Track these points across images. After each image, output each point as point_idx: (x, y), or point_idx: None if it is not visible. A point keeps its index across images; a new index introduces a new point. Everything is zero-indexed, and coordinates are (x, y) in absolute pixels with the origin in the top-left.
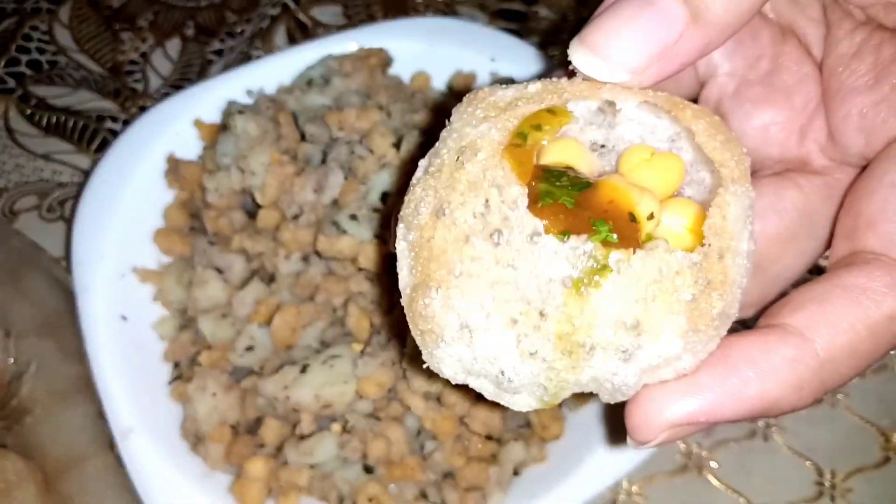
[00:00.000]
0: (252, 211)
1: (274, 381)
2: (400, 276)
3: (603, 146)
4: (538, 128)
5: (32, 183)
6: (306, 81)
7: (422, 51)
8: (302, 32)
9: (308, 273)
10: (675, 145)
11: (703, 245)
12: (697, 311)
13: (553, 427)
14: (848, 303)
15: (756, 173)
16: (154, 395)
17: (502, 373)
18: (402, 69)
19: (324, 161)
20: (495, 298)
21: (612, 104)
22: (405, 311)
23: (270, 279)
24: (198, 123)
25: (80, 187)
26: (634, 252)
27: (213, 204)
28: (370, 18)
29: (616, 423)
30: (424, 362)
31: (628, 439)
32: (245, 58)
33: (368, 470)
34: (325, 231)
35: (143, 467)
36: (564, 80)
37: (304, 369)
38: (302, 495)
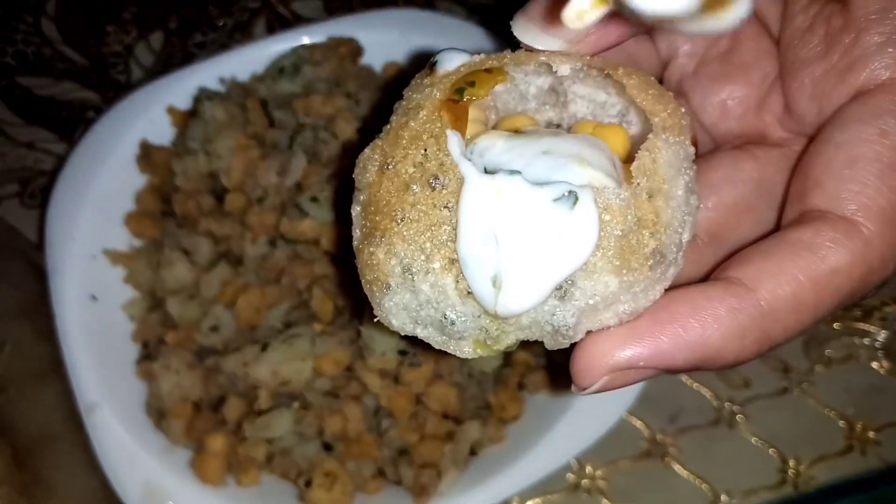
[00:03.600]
0: (220, 194)
1: (235, 358)
2: (354, 238)
3: (558, 125)
4: (472, 84)
5: (15, 170)
6: (277, 70)
7: (393, 42)
8: (281, 26)
9: (274, 256)
10: (623, 119)
11: (631, 184)
12: (628, 248)
13: (511, 408)
14: (792, 256)
15: (717, 149)
16: (121, 373)
17: (445, 316)
18: (375, 60)
19: (291, 146)
20: (433, 240)
21: (553, 72)
22: (357, 268)
23: (238, 262)
24: (170, 110)
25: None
26: None
27: (181, 187)
28: (351, 13)
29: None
30: (375, 317)
31: (572, 386)
32: (224, 50)
33: (327, 447)
34: (288, 213)
35: (107, 442)
36: (508, 51)
37: (264, 347)
38: (262, 471)
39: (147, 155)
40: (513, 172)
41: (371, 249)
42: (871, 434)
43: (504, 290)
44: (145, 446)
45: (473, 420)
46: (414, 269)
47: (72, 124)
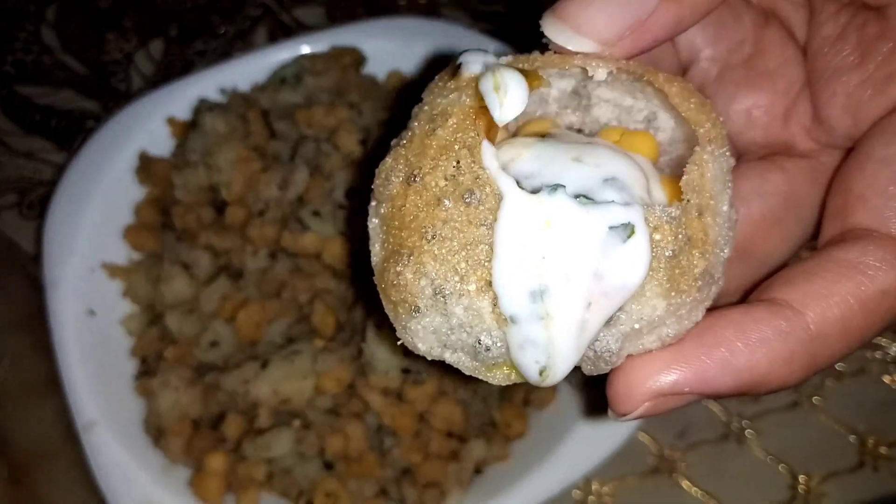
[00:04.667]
0: (220, 207)
1: (235, 375)
2: (372, 254)
3: (580, 130)
4: None
5: (13, 181)
6: (279, 80)
7: (396, 50)
8: (283, 33)
9: (274, 270)
10: (650, 125)
11: (681, 201)
12: (679, 269)
13: (517, 425)
14: (840, 277)
15: (741, 158)
16: (119, 389)
17: (479, 342)
18: (377, 69)
19: (292, 158)
20: (468, 260)
21: (589, 77)
22: (377, 286)
23: (238, 275)
24: (170, 121)
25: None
26: None
27: (180, 200)
28: (353, 20)
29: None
30: (398, 339)
31: (609, 411)
32: (225, 58)
33: (328, 466)
34: (290, 227)
35: (105, 460)
36: (536, 52)
37: (264, 364)
38: (262, 491)
39: (146, 167)
40: (555, 189)
41: (398, 269)
42: (882, 450)
43: (547, 303)
44: (143, 465)
45: (478, 438)
46: (447, 291)
47: (71, 134)
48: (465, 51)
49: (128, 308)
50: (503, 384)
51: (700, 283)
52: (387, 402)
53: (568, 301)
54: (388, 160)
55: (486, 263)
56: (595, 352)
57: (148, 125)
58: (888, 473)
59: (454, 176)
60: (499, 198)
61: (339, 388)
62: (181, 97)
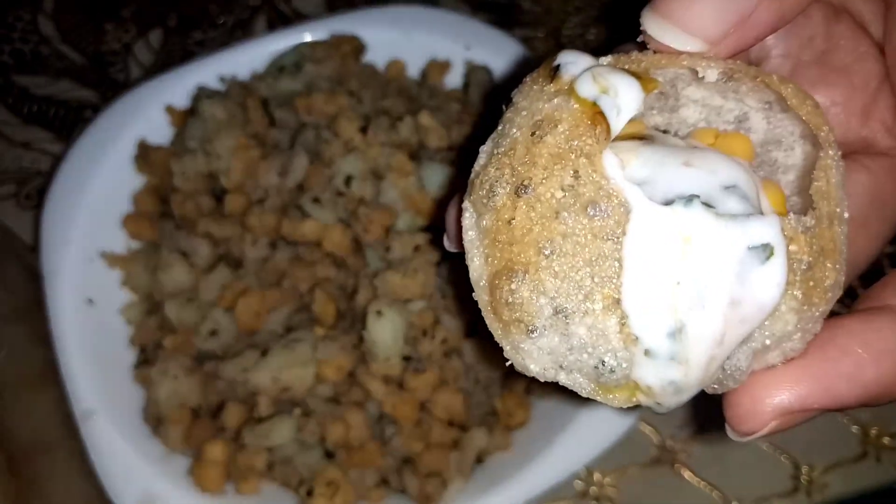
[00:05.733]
0: (219, 195)
1: (234, 363)
2: (471, 268)
3: (665, 131)
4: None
5: (11, 171)
6: (278, 68)
7: (396, 39)
8: (282, 23)
9: (275, 258)
10: (741, 126)
11: (813, 209)
12: (813, 282)
13: (519, 414)
14: None
15: None
16: (118, 378)
17: (602, 363)
18: (377, 57)
19: (292, 146)
20: (594, 277)
21: (700, 78)
22: (480, 303)
23: (237, 264)
24: (169, 109)
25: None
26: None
27: (179, 188)
28: (353, 9)
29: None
30: (507, 360)
31: (729, 431)
32: (224, 48)
33: (329, 455)
34: (290, 215)
35: (104, 449)
36: (635, 52)
37: (264, 352)
38: (262, 480)
39: (145, 155)
40: (690, 200)
41: (511, 286)
42: (885, 440)
43: (684, 343)
44: (143, 454)
45: (480, 427)
46: (569, 310)
47: (69, 124)
48: (563, 51)
49: (127, 297)
50: (624, 407)
51: (830, 294)
52: (388, 390)
53: (705, 336)
54: (490, 169)
55: (615, 280)
56: (724, 371)
57: (146, 113)
58: (891, 464)
59: (572, 186)
60: (626, 209)
61: (340, 375)
62: (180, 85)
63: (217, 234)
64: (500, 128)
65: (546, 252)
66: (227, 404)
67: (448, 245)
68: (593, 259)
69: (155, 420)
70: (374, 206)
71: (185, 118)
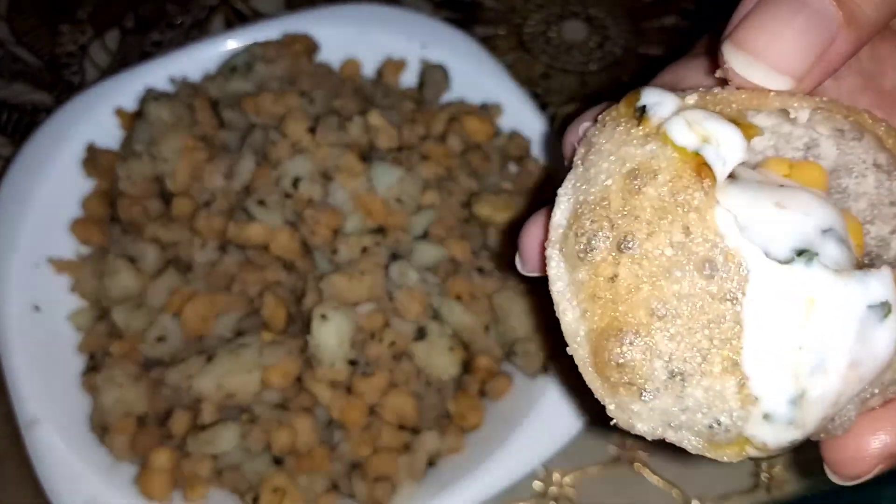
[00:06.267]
0: (168, 199)
1: (179, 370)
2: (563, 322)
3: None
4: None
5: None
6: (230, 68)
7: (352, 37)
8: (241, 22)
9: (223, 262)
10: (811, 153)
11: None
12: None
13: (472, 416)
14: None
15: None
16: (65, 386)
17: (718, 422)
18: (332, 56)
19: (242, 147)
20: (713, 339)
21: (791, 119)
22: (576, 358)
23: (187, 269)
24: (119, 112)
25: None
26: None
27: (126, 192)
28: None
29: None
30: (611, 419)
31: (833, 476)
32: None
33: (278, 461)
34: (235, 217)
35: (47, 458)
36: (717, 89)
37: (209, 358)
38: (211, 487)
39: (93, 158)
40: (811, 259)
41: (622, 349)
42: None
43: (804, 409)
44: (88, 463)
45: (431, 430)
46: (686, 373)
47: (23, 128)
48: (644, 88)
49: (75, 303)
50: (733, 461)
51: None
52: (335, 394)
53: (824, 400)
54: (586, 222)
55: (734, 342)
56: (833, 421)
57: (96, 117)
58: None
59: (683, 244)
60: (745, 269)
61: (287, 381)
62: (130, 88)
63: (165, 239)
64: (579, 170)
65: (660, 313)
66: (174, 411)
67: (522, 268)
68: (711, 321)
69: (100, 428)
70: (323, 208)
71: (134, 121)
